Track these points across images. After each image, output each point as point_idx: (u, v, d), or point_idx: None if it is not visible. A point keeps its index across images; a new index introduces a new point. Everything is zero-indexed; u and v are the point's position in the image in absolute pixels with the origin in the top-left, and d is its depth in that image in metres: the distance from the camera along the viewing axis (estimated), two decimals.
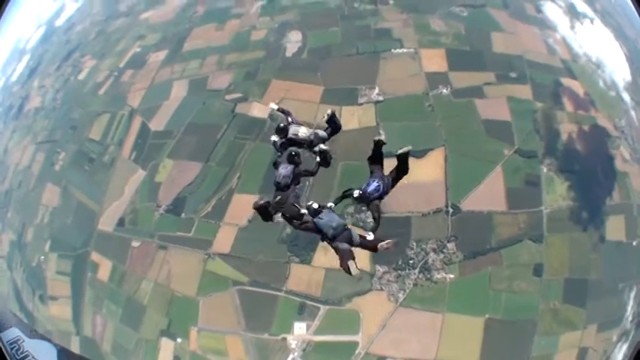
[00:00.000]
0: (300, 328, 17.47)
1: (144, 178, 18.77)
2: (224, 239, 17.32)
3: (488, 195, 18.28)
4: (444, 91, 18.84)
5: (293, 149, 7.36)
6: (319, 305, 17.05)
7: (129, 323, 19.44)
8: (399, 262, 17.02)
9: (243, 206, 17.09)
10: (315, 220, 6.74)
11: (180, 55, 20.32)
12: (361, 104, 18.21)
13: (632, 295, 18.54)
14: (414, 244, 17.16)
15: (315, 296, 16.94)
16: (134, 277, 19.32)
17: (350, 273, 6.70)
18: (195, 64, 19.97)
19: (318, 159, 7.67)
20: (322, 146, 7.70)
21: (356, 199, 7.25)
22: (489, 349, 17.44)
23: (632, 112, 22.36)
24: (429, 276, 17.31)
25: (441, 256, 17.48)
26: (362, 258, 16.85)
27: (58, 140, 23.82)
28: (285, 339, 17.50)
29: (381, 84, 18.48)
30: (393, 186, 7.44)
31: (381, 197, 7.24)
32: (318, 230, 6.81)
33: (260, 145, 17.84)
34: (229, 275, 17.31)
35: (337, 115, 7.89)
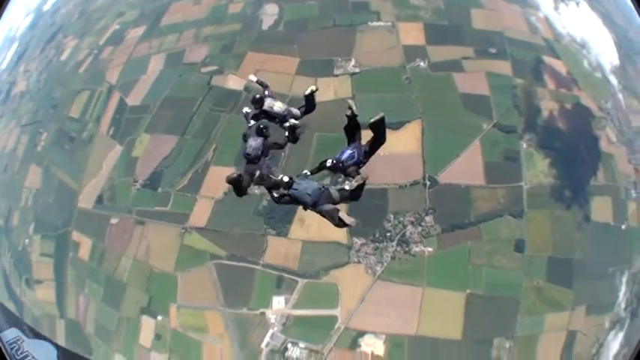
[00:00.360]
0: (278, 302, 17.19)
1: (121, 153, 18.55)
2: (200, 213, 17.09)
3: (467, 168, 17.95)
4: (422, 64, 18.51)
5: (262, 122, 7.36)
6: (297, 279, 16.77)
7: (110, 302, 19.23)
8: (377, 235, 16.70)
9: (219, 179, 16.68)
10: (290, 192, 6.74)
11: (158, 30, 20.09)
12: (337, 76, 17.91)
13: (624, 280, 18.29)
14: (392, 216, 16.81)
15: (292, 269, 16.67)
16: (113, 254, 19.09)
17: (347, 225, 6.71)
18: (173, 38, 19.75)
19: (287, 133, 7.66)
20: (293, 121, 7.64)
21: (330, 168, 7.15)
22: (471, 325, 17.06)
23: (620, 95, 22.18)
24: (407, 249, 16.97)
25: (419, 229, 17.14)
26: (338, 231, 16.87)
27: (40, 121, 23.66)
28: (264, 314, 17.24)
29: (358, 56, 18.18)
30: (370, 155, 7.33)
31: (357, 165, 7.12)
32: (296, 201, 6.80)
33: (235, 118, 17.39)
34: (206, 249, 17.08)
35: (315, 95, 7.73)
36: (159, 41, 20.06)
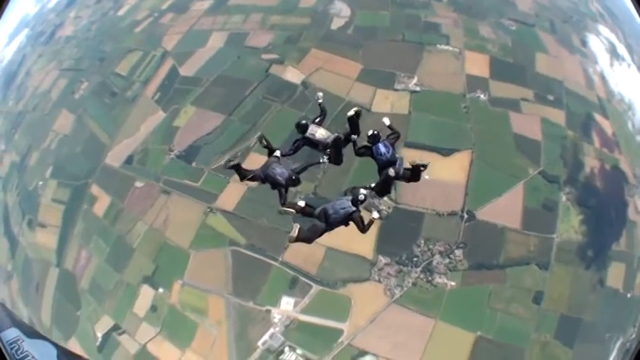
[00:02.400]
0: (287, 303, 16.40)
1: (162, 119, 17.97)
2: (230, 196, 16.47)
3: (506, 209, 17.33)
4: (482, 96, 18.08)
5: (296, 176, 7.20)
6: (312, 283, 16.06)
7: (113, 263, 18.44)
8: (403, 257, 16.06)
9: (257, 166, 16.05)
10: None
11: (224, 8, 19.68)
12: (397, 90, 17.41)
13: (617, 346, 17.59)
14: (422, 242, 16.19)
15: (309, 273, 15.98)
16: (130, 217, 18.35)
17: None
18: (238, 19, 19.31)
19: (325, 159, 7.48)
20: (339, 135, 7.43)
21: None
22: None
23: None
24: (430, 278, 16.27)
25: (447, 260, 16.45)
26: (365, 245, 15.96)
27: (83, 69, 23.06)
28: (269, 311, 16.43)
29: (421, 75, 17.74)
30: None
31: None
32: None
33: (286, 110, 17.01)
34: (227, 233, 16.38)
35: (359, 118, 7.54)
36: (224, 19, 19.62)
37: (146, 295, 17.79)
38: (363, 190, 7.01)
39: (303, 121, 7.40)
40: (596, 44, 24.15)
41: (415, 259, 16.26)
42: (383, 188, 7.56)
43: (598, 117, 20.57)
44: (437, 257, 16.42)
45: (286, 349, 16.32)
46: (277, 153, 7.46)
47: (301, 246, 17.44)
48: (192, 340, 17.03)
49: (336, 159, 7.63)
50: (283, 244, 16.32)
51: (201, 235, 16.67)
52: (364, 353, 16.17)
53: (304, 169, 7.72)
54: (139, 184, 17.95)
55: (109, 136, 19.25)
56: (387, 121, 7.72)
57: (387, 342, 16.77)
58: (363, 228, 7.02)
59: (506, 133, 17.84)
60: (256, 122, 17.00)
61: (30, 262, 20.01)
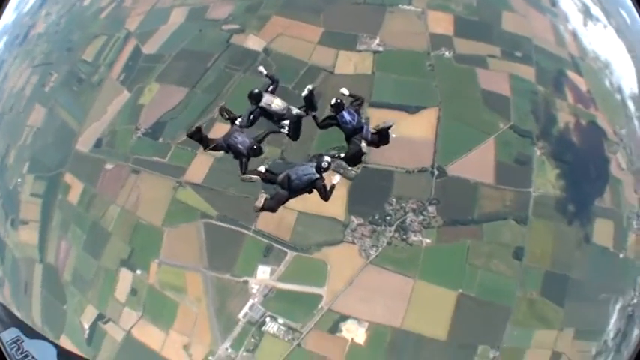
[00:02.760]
0: (263, 272, 16.13)
1: (127, 99, 17.76)
2: (198, 168, 16.23)
3: (477, 165, 17.04)
4: (447, 53, 17.70)
5: (257, 145, 7.03)
6: (286, 250, 15.78)
7: (91, 250, 18.22)
8: (376, 217, 15.77)
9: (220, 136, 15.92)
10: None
11: None
12: (360, 51, 17.13)
13: (617, 308, 17.23)
14: (394, 200, 15.89)
15: (283, 240, 15.71)
16: (103, 201, 18.14)
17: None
18: None
19: (286, 131, 7.35)
20: (295, 110, 7.27)
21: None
22: (459, 326, 16.00)
23: (636, 123, 21.44)
24: (404, 236, 15.96)
25: (420, 218, 16.15)
26: (336, 206, 15.78)
27: (53, 62, 22.87)
28: (246, 282, 16.21)
29: (383, 36, 17.38)
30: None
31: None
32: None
33: (249, 78, 16.65)
34: (198, 206, 16.15)
35: (314, 94, 7.48)
36: None
37: (125, 278, 17.48)
38: (327, 158, 6.78)
39: (256, 90, 7.13)
40: (567, 4, 23.79)
41: (388, 217, 15.88)
42: (354, 160, 7.42)
43: (571, 74, 20.07)
44: (410, 215, 16.05)
45: (267, 319, 16.10)
46: (238, 122, 7.21)
47: (274, 214, 17.26)
48: (174, 321, 16.74)
49: (295, 134, 7.44)
50: (254, 212, 16.23)
51: (172, 212, 16.39)
52: (346, 317, 15.93)
53: (265, 136, 7.50)
54: (109, 166, 17.65)
55: (78, 122, 19.01)
56: (345, 91, 7.50)
57: (368, 304, 16.53)
58: (326, 196, 6.87)
59: (474, 90, 17.44)
60: (220, 92, 16.73)
61: (17, 262, 19.82)
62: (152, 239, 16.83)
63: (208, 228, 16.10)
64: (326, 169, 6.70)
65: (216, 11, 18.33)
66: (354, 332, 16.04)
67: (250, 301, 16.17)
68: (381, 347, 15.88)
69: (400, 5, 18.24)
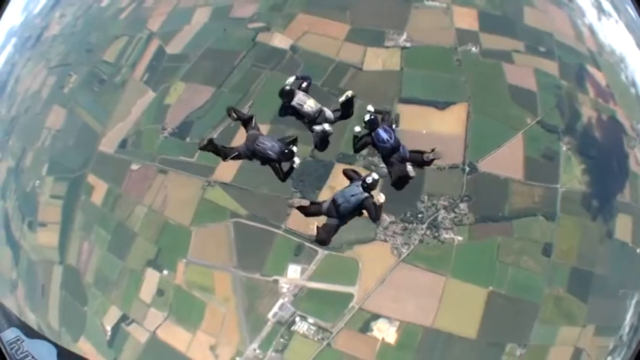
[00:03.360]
0: (294, 271, 15.86)
1: (152, 100, 17.49)
2: (227, 168, 15.73)
3: (507, 160, 16.81)
4: (473, 49, 17.49)
5: (292, 148, 6.60)
6: (317, 249, 15.50)
7: (116, 251, 17.91)
8: (408, 215, 15.49)
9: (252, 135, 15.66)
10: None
11: None
12: (387, 47, 16.87)
13: (633, 303, 16.87)
14: (425, 197, 15.62)
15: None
16: (129, 201, 17.85)
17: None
18: None
19: (314, 139, 6.89)
20: (326, 127, 6.76)
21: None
22: (488, 325, 15.76)
23: None
24: (436, 234, 15.71)
25: (452, 215, 15.93)
26: None
27: (71, 63, 22.57)
28: (277, 281, 15.93)
29: (410, 31, 17.14)
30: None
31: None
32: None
33: (277, 76, 16.42)
34: (227, 206, 15.85)
35: (354, 100, 7.02)
36: None
37: (151, 279, 17.20)
38: (374, 175, 6.31)
39: (288, 87, 6.80)
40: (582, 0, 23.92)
41: (420, 215, 15.62)
42: (401, 184, 6.93)
43: (590, 68, 19.93)
44: (442, 212, 15.84)
45: (297, 319, 15.81)
46: (254, 120, 6.89)
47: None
48: (201, 321, 16.49)
49: (322, 145, 7.04)
50: (285, 211, 15.95)
51: (201, 211, 16.12)
52: (377, 317, 15.69)
53: (295, 140, 7.07)
54: (134, 166, 17.36)
55: (101, 124, 18.72)
56: (370, 107, 6.91)
57: (399, 303, 16.27)
58: (376, 215, 6.34)
59: (501, 85, 17.22)
60: (247, 91, 16.46)
61: (33, 265, 19.42)
62: (180, 239, 16.50)
63: (238, 227, 15.79)
64: (374, 186, 6.19)
65: (240, 10, 18.06)
66: (385, 332, 15.78)
67: (280, 301, 15.88)
68: (412, 347, 15.60)
69: (425, 1, 18.05)
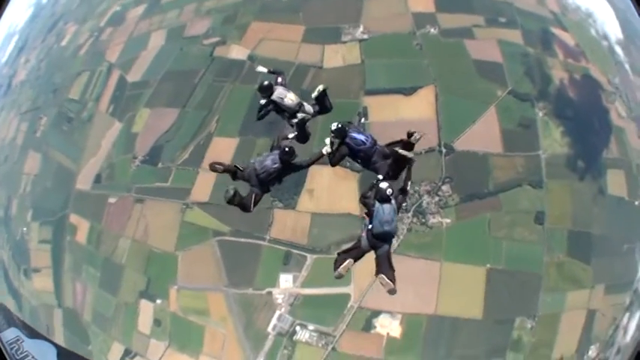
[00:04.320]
0: (286, 280, 15.36)
1: (120, 130, 17.05)
2: (203, 187, 15.49)
3: (483, 136, 16.37)
4: (432, 30, 17.11)
5: (289, 145, 6.22)
6: (306, 254, 15.02)
7: (107, 287, 17.46)
8: None
9: (222, 150, 15.28)
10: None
11: (158, 7, 18.66)
12: (345, 42, 16.51)
13: None
14: None
15: (301, 244, 14.95)
16: (111, 235, 17.34)
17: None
18: (174, 14, 18.32)
19: (295, 132, 6.65)
20: (306, 107, 6.60)
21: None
22: (493, 302, 15.23)
23: (627, 67, 20.80)
24: (423, 220, 15.28)
25: (436, 198, 15.47)
26: (350, 201, 15.01)
27: (40, 107, 22.18)
28: (270, 293, 15.40)
29: (366, 23, 16.79)
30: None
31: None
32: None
33: (239, 87, 16.18)
34: (209, 225, 15.40)
35: (328, 94, 6.75)
36: (159, 18, 18.63)
37: (146, 310, 16.71)
38: (384, 185, 5.98)
39: (266, 82, 6.42)
40: None
41: (404, 204, 15.43)
42: (398, 170, 6.59)
43: (556, 30, 19.52)
44: (425, 197, 15.37)
45: (297, 328, 15.28)
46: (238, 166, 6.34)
47: (286, 218, 16.38)
48: (202, 345, 15.94)
49: (303, 137, 6.74)
50: (267, 221, 15.46)
51: (183, 235, 15.65)
52: (377, 313, 15.18)
53: (283, 139, 6.67)
54: (112, 199, 16.92)
55: (75, 162, 18.25)
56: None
57: (398, 295, 15.71)
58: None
59: (466, 62, 16.80)
60: (212, 107, 16.14)
61: (36, 310, 19.03)
62: (167, 266, 16.02)
63: (222, 245, 15.33)
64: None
65: (194, 28, 17.73)
66: (389, 326, 15.25)
67: (277, 313, 15.34)
68: (418, 337, 15.07)
69: None
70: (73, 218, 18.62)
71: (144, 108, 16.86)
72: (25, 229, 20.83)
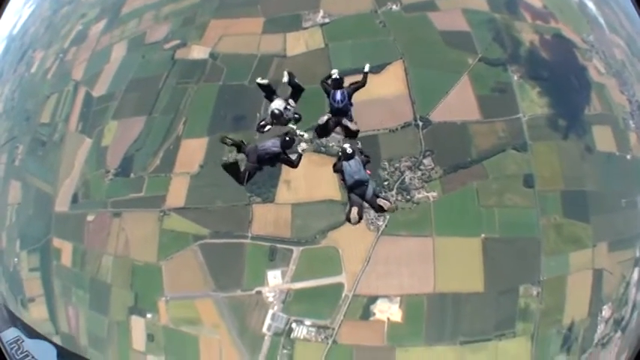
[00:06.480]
0: (274, 277, 14.20)
1: (91, 146, 15.99)
2: (177, 192, 14.42)
3: (459, 104, 15.34)
4: (394, 7, 16.20)
5: (291, 136, 6.69)
6: (291, 247, 13.90)
7: (98, 308, 16.31)
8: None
9: (192, 152, 14.25)
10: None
11: (118, 20, 17.77)
12: (306, 28, 15.62)
13: None
14: (386, 163, 14.15)
15: (285, 237, 13.85)
16: (94, 254, 16.22)
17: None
18: (133, 24, 17.43)
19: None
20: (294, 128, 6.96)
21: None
22: (493, 273, 14.11)
23: (602, 21, 19.86)
24: (408, 197, 14.17)
25: (419, 173, 14.38)
26: (330, 187, 13.96)
27: (16, 136, 21.21)
28: (260, 292, 14.25)
29: (326, 6, 15.86)
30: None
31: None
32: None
33: (203, 87, 15.25)
34: (188, 230, 14.28)
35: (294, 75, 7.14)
36: (120, 30, 17.71)
37: (138, 326, 15.54)
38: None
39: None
40: None
41: (386, 182, 14.10)
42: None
43: None
44: (407, 173, 14.26)
45: (293, 325, 14.06)
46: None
47: (267, 213, 15.12)
48: (198, 355, 14.78)
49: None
50: (247, 218, 14.36)
51: (164, 243, 14.51)
52: (374, 298, 13.98)
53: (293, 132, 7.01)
54: (90, 217, 15.86)
55: (51, 185, 17.18)
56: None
57: (393, 278, 14.58)
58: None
59: (432, 33, 15.88)
60: (178, 109, 15.10)
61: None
62: (152, 278, 14.87)
63: (204, 249, 14.21)
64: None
65: (154, 34, 16.83)
66: (388, 311, 14.06)
67: (270, 312, 14.19)
68: (420, 318, 13.93)
69: None
70: (56, 242, 17.50)
71: (111, 120, 15.87)
72: (16, 259, 19.78)
